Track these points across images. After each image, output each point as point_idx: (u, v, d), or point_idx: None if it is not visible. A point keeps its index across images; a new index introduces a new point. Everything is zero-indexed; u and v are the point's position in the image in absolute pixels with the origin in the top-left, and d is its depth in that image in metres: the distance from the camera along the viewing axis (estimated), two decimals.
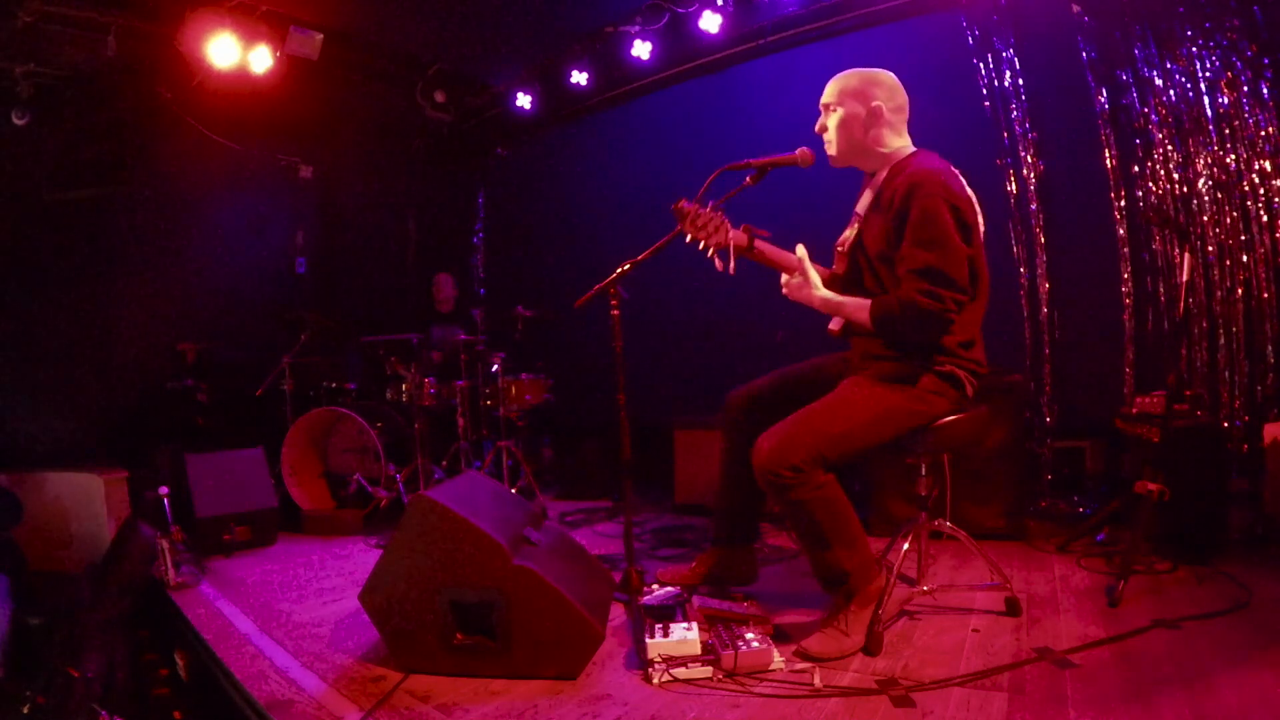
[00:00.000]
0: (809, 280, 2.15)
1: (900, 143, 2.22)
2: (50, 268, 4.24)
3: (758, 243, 2.24)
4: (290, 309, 4.57)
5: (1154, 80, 3.48)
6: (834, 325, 2.31)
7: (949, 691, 1.77)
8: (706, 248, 2.19)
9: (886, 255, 2.12)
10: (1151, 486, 2.44)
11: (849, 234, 2.30)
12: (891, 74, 2.22)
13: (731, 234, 2.18)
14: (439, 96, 5.48)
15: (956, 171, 2.11)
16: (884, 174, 2.19)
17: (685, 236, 2.22)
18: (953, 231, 1.97)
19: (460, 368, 4.35)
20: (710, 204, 2.20)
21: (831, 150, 2.25)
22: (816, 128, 2.27)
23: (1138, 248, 3.63)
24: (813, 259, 2.24)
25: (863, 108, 2.17)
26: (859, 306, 2.09)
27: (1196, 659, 1.88)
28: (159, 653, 2.64)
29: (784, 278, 2.23)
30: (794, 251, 2.21)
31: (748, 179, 2.27)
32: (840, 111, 2.19)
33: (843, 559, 2.02)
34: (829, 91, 2.23)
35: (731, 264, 2.17)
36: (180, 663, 2.47)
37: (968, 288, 2.02)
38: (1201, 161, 3.38)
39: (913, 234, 1.99)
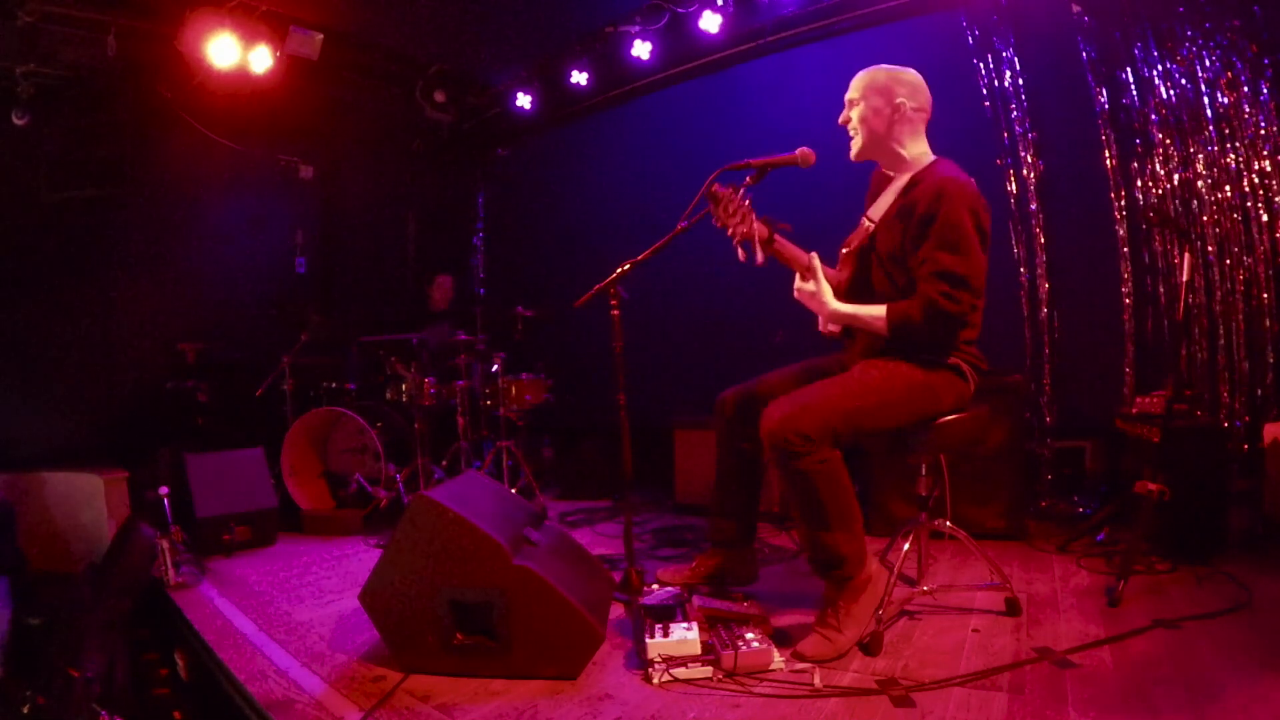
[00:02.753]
0: (820, 291, 2.16)
1: (920, 148, 2.23)
2: (50, 268, 4.24)
3: (777, 237, 2.23)
4: (291, 307, 4.57)
5: (1154, 80, 3.48)
6: (833, 326, 2.31)
7: (949, 691, 1.77)
8: (733, 235, 2.17)
9: (900, 257, 2.13)
10: (1151, 486, 2.44)
11: (858, 236, 2.29)
12: (918, 75, 2.23)
13: (756, 225, 2.17)
14: (439, 96, 5.48)
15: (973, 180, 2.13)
16: (904, 179, 2.20)
17: (714, 220, 2.20)
18: (975, 239, 2.02)
19: (459, 366, 4.34)
20: (742, 190, 2.18)
21: (855, 143, 2.26)
22: (840, 120, 2.28)
23: (1138, 248, 3.63)
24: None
25: (886, 104, 2.19)
26: (874, 315, 2.10)
27: (1196, 659, 1.88)
28: (159, 653, 2.64)
29: (798, 279, 2.22)
30: (808, 254, 2.21)
31: (747, 179, 2.27)
32: (863, 106, 2.21)
33: (840, 542, 2.01)
34: (854, 86, 2.24)
35: (759, 255, 2.16)
36: (180, 663, 2.47)
37: (983, 294, 2.06)
38: (1201, 161, 3.38)
39: (937, 237, 2.01)
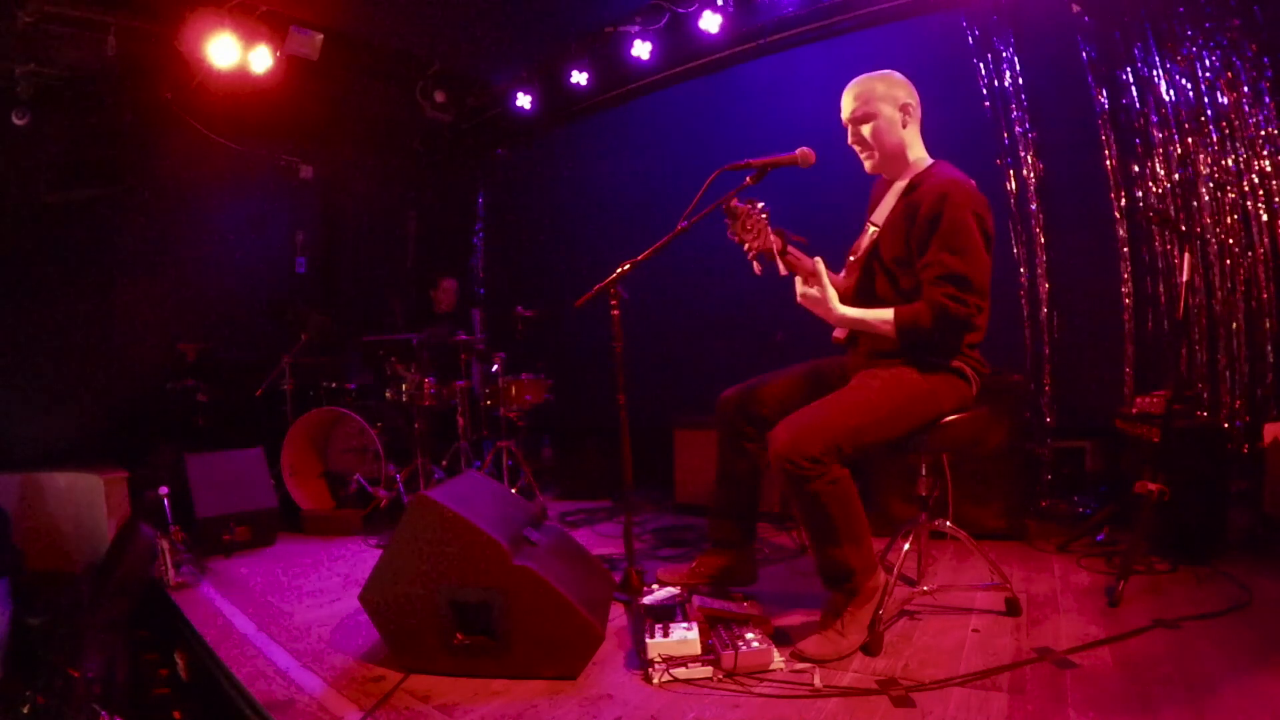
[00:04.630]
0: (826, 295, 2.13)
1: (920, 150, 2.23)
2: (50, 268, 4.24)
3: (790, 248, 2.22)
4: (291, 307, 4.58)
5: (1154, 80, 3.48)
6: (839, 333, 2.30)
7: (949, 691, 1.77)
8: (749, 250, 2.15)
9: (904, 260, 2.12)
10: (1151, 486, 2.44)
11: (863, 242, 2.29)
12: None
13: (772, 238, 2.14)
14: (439, 96, 5.48)
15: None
16: (905, 182, 2.19)
17: (730, 235, 2.17)
18: (980, 241, 2.01)
19: (459, 367, 4.34)
20: (760, 205, 2.15)
21: (872, 159, 2.22)
22: (851, 141, 2.24)
23: (1138, 248, 3.63)
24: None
25: (895, 110, 2.17)
26: (881, 319, 2.09)
27: (1196, 659, 1.88)
28: (159, 653, 2.64)
29: (799, 285, 2.18)
30: (812, 260, 2.20)
31: (747, 179, 2.27)
32: (878, 120, 2.17)
33: (849, 556, 2.02)
34: (855, 102, 2.19)
35: (781, 266, 2.12)
36: (180, 663, 2.47)
37: (989, 296, 2.05)
38: (1201, 161, 3.38)
39: (941, 241, 2.01)
